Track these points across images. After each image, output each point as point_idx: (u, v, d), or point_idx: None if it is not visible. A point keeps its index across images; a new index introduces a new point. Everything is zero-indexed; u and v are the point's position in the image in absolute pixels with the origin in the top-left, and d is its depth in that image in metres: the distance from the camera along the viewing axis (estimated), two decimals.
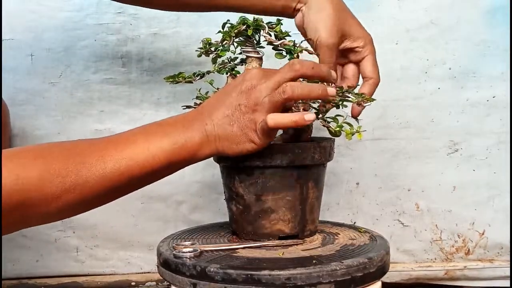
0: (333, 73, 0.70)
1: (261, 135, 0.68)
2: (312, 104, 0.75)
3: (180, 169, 0.70)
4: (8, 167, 0.59)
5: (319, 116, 0.73)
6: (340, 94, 0.73)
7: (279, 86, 0.67)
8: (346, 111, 0.73)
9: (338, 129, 0.71)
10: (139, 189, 0.69)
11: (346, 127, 0.71)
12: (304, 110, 0.74)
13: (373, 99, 0.73)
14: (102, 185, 0.64)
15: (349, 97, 0.73)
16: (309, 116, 0.66)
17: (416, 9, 1.04)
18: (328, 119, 0.72)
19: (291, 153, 0.73)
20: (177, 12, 1.03)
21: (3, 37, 1.00)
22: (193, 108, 0.81)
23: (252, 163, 0.73)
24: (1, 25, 0.98)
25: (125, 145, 0.66)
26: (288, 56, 0.79)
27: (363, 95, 0.73)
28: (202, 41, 0.81)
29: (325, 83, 0.70)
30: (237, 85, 0.68)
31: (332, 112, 0.74)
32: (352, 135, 0.70)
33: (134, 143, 0.66)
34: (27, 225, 0.64)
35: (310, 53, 0.80)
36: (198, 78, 0.82)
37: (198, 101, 0.80)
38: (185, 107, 0.83)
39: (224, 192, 0.80)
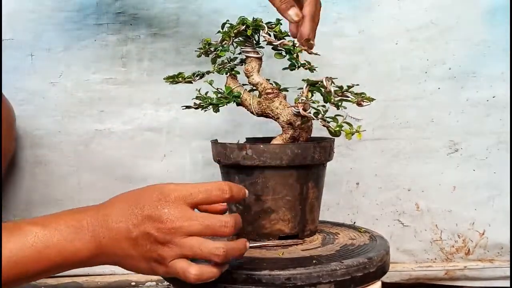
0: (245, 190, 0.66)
1: (168, 274, 0.61)
2: (311, 104, 0.75)
3: (62, 272, 0.63)
4: None
5: (319, 116, 0.73)
6: (340, 93, 0.73)
7: (199, 235, 0.61)
8: (346, 111, 0.73)
9: (337, 129, 0.71)
10: None
11: (346, 127, 0.71)
12: (304, 109, 0.74)
13: (373, 99, 0.73)
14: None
15: (348, 97, 0.73)
16: (225, 267, 0.62)
17: (416, 9, 1.04)
18: (328, 119, 0.72)
19: (291, 153, 0.73)
20: (177, 12, 1.03)
21: (3, 37, 1.00)
22: (193, 107, 0.81)
23: (252, 163, 0.73)
24: (1, 25, 0.98)
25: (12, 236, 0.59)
26: (287, 56, 0.79)
27: (362, 95, 0.73)
28: (202, 41, 0.81)
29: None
30: (150, 207, 0.61)
31: (332, 111, 0.74)
32: (352, 134, 0.70)
33: (5, 243, 0.59)
34: None
35: (309, 53, 0.80)
36: (198, 78, 0.82)
37: (197, 101, 0.80)
38: (184, 107, 0.83)
39: None
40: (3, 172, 0.96)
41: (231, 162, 0.75)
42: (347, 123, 0.71)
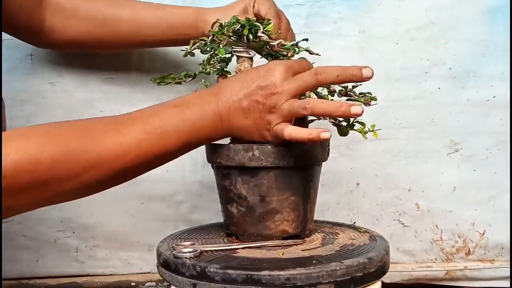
0: (365, 70, 0.69)
1: (273, 137, 0.70)
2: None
3: (191, 150, 0.72)
4: (18, 147, 0.59)
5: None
6: (343, 93, 0.73)
7: (301, 92, 0.69)
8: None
9: (349, 128, 0.71)
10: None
11: (358, 126, 0.71)
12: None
13: (376, 98, 0.73)
14: (118, 163, 0.65)
15: (352, 97, 0.73)
16: (325, 134, 0.66)
17: (416, 9, 1.04)
18: (338, 118, 0.73)
19: (298, 153, 0.73)
20: None
21: (3, 37, 1.00)
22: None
23: (258, 164, 0.73)
24: (1, 25, 0.98)
25: (141, 122, 0.67)
26: (283, 59, 0.78)
27: (368, 94, 0.73)
28: (192, 41, 0.80)
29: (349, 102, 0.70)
30: (259, 79, 0.69)
31: None
32: (366, 133, 0.71)
33: (148, 121, 0.67)
34: (40, 205, 0.65)
35: (311, 53, 0.80)
36: (189, 79, 0.81)
37: None
38: None
39: (220, 194, 0.80)
40: None
41: (235, 163, 0.74)
42: (359, 122, 0.71)
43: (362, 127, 0.71)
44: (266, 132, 0.70)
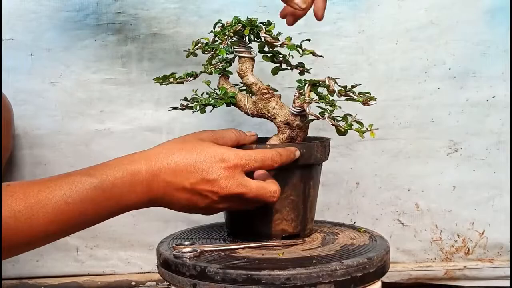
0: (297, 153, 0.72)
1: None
2: (316, 103, 0.74)
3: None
4: None
5: (325, 115, 0.73)
6: (343, 93, 0.73)
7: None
8: (344, 111, 0.73)
9: (348, 128, 0.71)
10: None
11: (356, 125, 0.71)
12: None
13: (375, 98, 0.73)
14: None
15: (351, 96, 0.73)
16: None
17: (416, 9, 1.04)
18: (337, 118, 0.73)
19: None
20: (177, 12, 1.03)
21: (3, 37, 1.00)
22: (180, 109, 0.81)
23: None
24: (1, 25, 0.98)
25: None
26: (280, 58, 0.79)
27: (366, 94, 0.73)
28: (193, 42, 0.80)
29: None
30: (211, 168, 0.65)
31: (339, 111, 0.74)
32: (363, 133, 0.70)
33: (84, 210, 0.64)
34: None
35: (314, 55, 0.79)
36: (191, 78, 0.81)
37: (184, 102, 0.80)
38: (171, 108, 0.82)
39: None
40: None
41: None
42: (358, 121, 0.71)
43: (360, 126, 0.71)
44: (208, 211, 0.70)
